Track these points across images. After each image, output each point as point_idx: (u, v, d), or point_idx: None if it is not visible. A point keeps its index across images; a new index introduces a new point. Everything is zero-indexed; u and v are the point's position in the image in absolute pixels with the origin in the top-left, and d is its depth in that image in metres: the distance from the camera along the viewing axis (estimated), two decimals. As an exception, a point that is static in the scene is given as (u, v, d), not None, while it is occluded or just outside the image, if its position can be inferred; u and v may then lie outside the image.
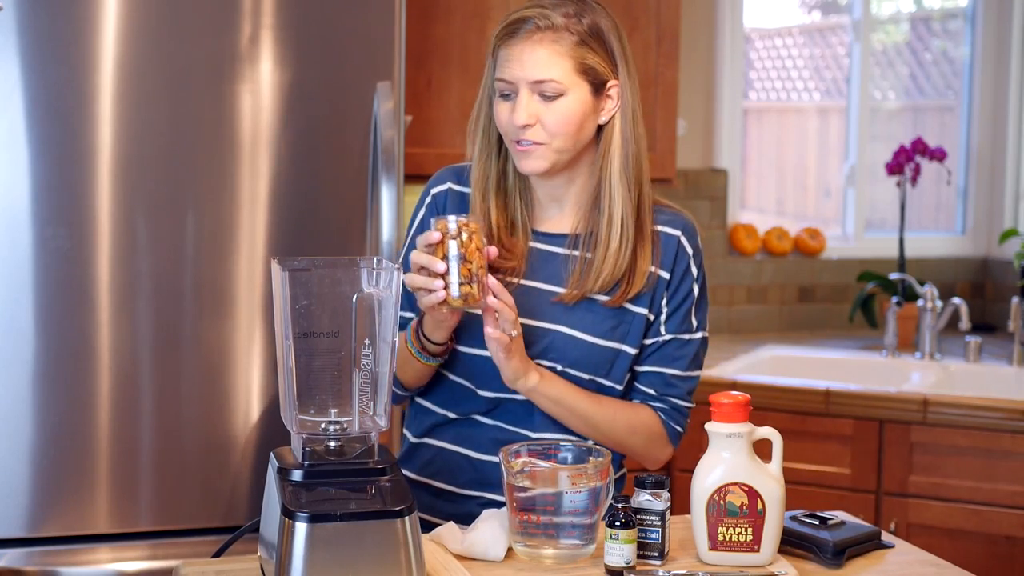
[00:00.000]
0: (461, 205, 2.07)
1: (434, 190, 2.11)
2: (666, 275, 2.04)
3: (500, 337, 1.89)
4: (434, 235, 1.86)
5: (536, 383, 1.97)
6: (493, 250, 1.91)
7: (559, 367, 2.01)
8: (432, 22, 3.29)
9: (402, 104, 2.62)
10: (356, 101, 2.56)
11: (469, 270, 1.85)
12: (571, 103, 1.95)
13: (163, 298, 2.48)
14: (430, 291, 1.85)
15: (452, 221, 1.87)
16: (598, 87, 1.98)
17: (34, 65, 2.39)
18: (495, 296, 1.88)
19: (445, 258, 1.86)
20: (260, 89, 2.50)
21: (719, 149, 4.11)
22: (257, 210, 2.52)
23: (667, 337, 2.05)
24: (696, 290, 2.06)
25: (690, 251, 2.05)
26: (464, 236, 1.86)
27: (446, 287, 1.85)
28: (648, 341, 2.05)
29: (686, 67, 3.95)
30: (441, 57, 3.31)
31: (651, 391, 2.06)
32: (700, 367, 2.10)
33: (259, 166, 2.51)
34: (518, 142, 1.96)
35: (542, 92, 1.94)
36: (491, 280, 1.88)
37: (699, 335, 2.08)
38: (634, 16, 3.46)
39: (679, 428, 2.08)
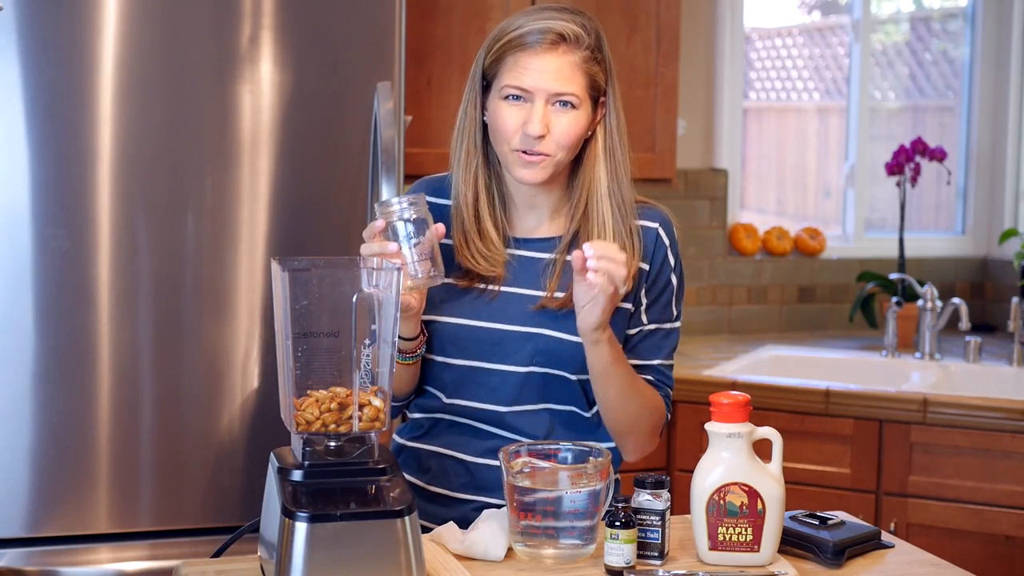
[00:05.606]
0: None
1: None
2: (646, 266, 2.04)
3: (606, 286, 1.83)
4: (378, 223, 1.84)
5: (607, 337, 1.92)
6: (440, 227, 1.88)
7: (547, 370, 2.01)
8: (432, 22, 3.29)
9: (402, 104, 2.62)
10: (356, 101, 2.56)
11: (422, 245, 1.84)
12: (580, 117, 1.95)
13: (163, 298, 2.48)
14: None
15: (397, 202, 1.85)
16: (595, 101, 1.99)
17: (34, 65, 2.39)
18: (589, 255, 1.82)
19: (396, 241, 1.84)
20: (260, 89, 2.50)
21: (719, 149, 4.11)
22: (257, 210, 2.52)
23: (651, 327, 2.06)
24: (675, 280, 2.07)
25: (667, 242, 2.06)
26: (411, 214, 1.84)
27: (403, 266, 1.81)
28: (632, 331, 2.06)
29: (686, 67, 3.95)
30: (441, 57, 3.31)
31: (651, 379, 2.06)
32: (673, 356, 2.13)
33: (259, 166, 2.51)
34: (524, 152, 1.95)
35: (560, 102, 1.93)
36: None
37: (678, 324, 2.10)
38: (634, 16, 3.46)
39: (665, 421, 2.09)
